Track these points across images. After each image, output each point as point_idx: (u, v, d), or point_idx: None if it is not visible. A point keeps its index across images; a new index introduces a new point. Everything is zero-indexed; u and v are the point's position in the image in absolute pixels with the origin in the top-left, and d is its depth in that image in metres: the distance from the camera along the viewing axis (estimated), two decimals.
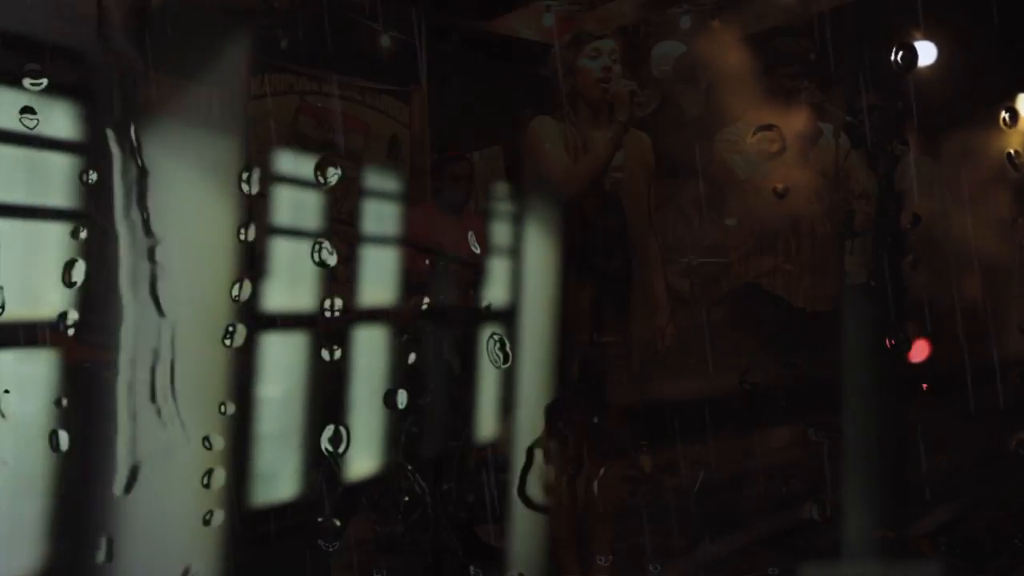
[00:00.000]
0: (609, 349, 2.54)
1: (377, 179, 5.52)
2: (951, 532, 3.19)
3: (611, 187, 2.54)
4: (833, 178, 3.02)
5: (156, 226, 1.45)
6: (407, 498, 3.08)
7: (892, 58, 2.24)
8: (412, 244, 2.92)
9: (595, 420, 2.61)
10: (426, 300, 2.70)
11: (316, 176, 1.78)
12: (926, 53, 3.87)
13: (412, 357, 3.37)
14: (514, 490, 3.04)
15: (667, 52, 4.46)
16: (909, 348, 3.77)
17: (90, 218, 1.83)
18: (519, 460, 2.96)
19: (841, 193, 3.03)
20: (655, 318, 2.63)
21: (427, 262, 2.64)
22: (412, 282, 3.59)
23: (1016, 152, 2.05)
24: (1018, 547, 3.06)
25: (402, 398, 3.03)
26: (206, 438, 1.46)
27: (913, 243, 3.74)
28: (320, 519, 2.26)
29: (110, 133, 1.59)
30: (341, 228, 5.23)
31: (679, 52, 4.40)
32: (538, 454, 2.83)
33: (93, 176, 1.60)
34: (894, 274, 3.69)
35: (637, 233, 2.60)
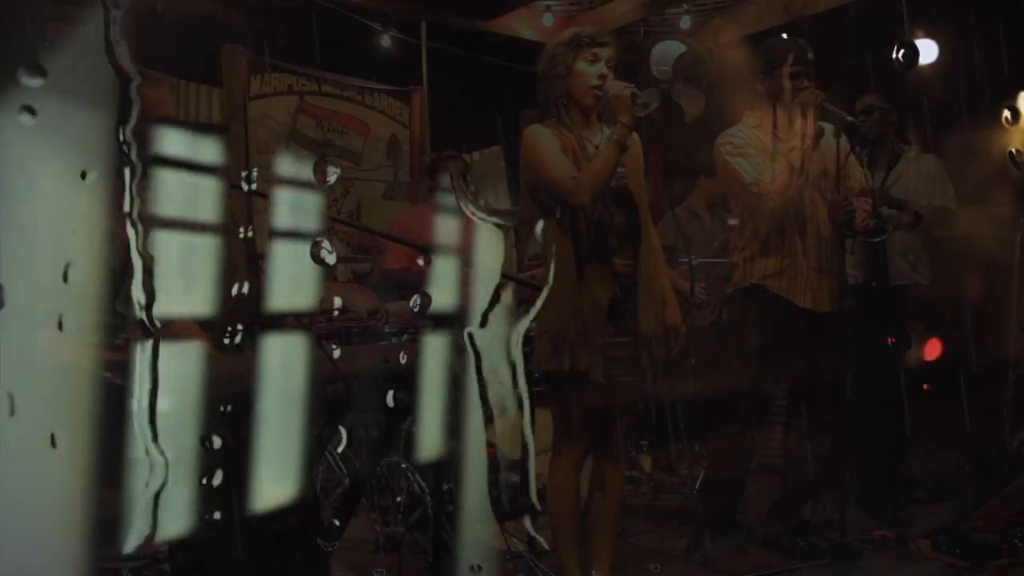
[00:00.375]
0: (622, 349, 2.52)
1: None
2: (951, 532, 3.18)
3: (615, 186, 2.52)
4: (834, 178, 3.01)
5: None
6: (406, 498, 3.08)
7: (893, 56, 2.23)
8: (409, 243, 2.90)
9: (605, 420, 2.60)
10: (425, 300, 2.69)
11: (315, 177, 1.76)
12: (927, 51, 3.87)
13: (410, 357, 3.36)
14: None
15: (667, 52, 4.45)
16: (909, 347, 3.78)
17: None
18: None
19: (842, 193, 3.02)
20: (667, 315, 2.60)
21: (422, 261, 2.63)
22: (411, 282, 3.59)
23: (1018, 151, 2.05)
24: (1018, 547, 3.06)
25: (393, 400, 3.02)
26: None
27: (914, 242, 3.74)
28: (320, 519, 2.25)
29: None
30: (340, 228, 5.23)
31: (679, 52, 4.39)
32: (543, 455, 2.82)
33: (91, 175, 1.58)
34: (894, 274, 3.70)
35: (641, 231, 2.59)
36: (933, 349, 3.95)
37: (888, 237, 3.51)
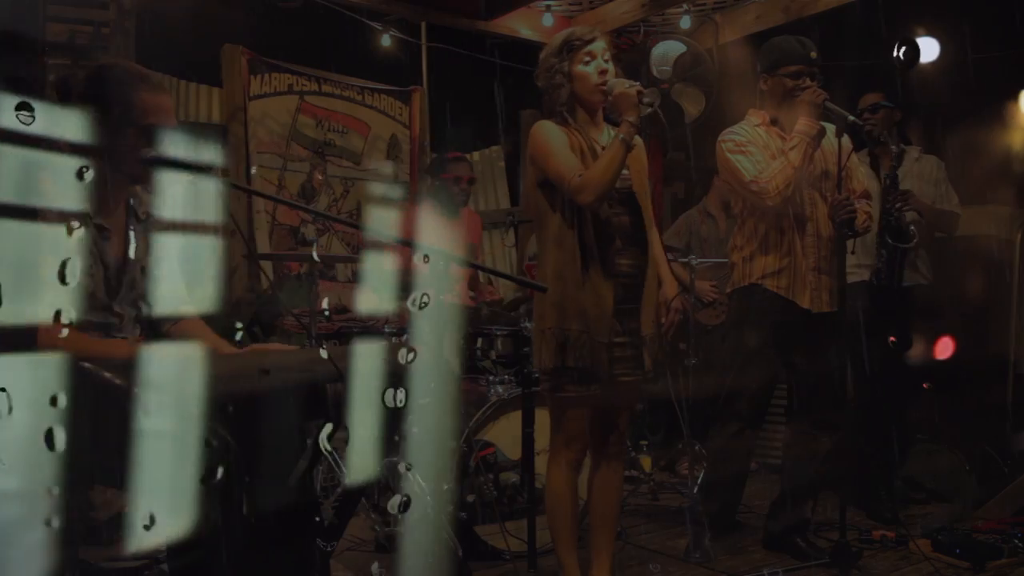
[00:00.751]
0: (624, 348, 2.52)
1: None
2: (951, 532, 3.18)
3: (620, 187, 2.51)
4: (835, 178, 3.00)
5: None
6: (407, 498, 3.07)
7: (894, 55, 2.22)
8: (409, 243, 2.89)
9: (605, 419, 2.60)
10: (425, 300, 2.68)
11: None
12: (928, 50, 3.87)
13: (411, 357, 3.36)
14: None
15: (667, 52, 4.45)
16: (909, 347, 3.78)
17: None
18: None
19: (843, 193, 3.01)
20: (662, 292, 2.59)
21: (424, 262, 2.62)
22: (411, 282, 3.58)
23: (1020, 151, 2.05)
24: (1018, 547, 3.06)
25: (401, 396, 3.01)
26: None
27: (915, 242, 3.73)
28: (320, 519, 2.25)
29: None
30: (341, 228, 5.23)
31: (679, 52, 4.39)
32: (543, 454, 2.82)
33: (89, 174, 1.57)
34: (895, 273, 3.69)
35: (645, 232, 2.58)
36: (945, 348, 3.95)
37: (914, 244, 3.48)
